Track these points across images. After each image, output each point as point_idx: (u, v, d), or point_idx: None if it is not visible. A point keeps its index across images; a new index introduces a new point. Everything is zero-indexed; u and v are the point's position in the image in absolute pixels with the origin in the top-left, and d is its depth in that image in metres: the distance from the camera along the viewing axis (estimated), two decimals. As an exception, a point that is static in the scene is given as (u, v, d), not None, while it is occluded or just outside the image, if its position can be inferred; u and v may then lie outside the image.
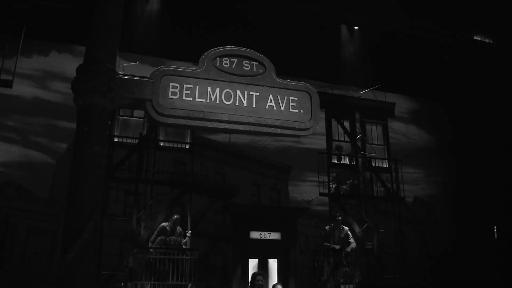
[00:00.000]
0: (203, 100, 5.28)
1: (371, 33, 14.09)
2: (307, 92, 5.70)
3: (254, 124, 5.27)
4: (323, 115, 11.53)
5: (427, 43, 14.41)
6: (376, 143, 11.74)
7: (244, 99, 5.39)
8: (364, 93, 12.60)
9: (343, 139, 11.37)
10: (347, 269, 10.31)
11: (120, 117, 10.09)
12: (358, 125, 11.66)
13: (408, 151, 15.31)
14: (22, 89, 12.01)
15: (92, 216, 4.06)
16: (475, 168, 15.24)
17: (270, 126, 5.34)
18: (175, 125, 5.40)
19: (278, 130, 5.48)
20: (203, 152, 10.73)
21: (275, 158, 13.98)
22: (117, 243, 10.42)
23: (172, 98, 5.23)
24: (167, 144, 9.98)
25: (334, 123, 11.33)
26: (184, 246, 9.24)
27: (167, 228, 9.33)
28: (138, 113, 10.16)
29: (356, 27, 14.47)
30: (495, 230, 14.89)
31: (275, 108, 5.47)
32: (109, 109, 5.10)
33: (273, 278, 9.86)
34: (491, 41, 13.97)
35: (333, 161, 11.07)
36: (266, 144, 13.87)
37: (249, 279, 8.80)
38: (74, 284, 3.93)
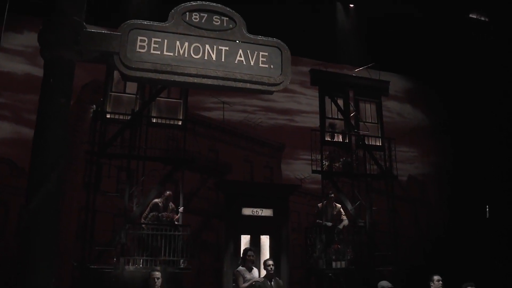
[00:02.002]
0: (171, 54, 5.22)
1: (367, 11, 13.98)
2: (278, 48, 5.60)
3: (223, 78, 5.21)
4: (316, 93, 11.52)
5: (422, 22, 14.31)
6: (370, 121, 11.70)
7: (213, 53, 5.34)
8: (358, 71, 12.54)
9: (336, 117, 11.32)
10: (339, 246, 10.37)
11: (112, 93, 10.00)
12: (351, 103, 11.62)
13: (402, 130, 15.33)
14: (14, 65, 11.91)
15: (56, 167, 4.03)
16: (469, 148, 15.27)
17: (239, 80, 5.28)
18: (143, 78, 5.34)
19: (248, 85, 5.41)
20: (196, 129, 10.67)
21: (268, 136, 13.97)
22: (110, 219, 10.44)
23: (140, 52, 5.16)
24: (159, 121, 9.91)
25: (327, 100, 11.26)
26: (176, 222, 9.26)
27: (160, 204, 9.34)
28: (131, 89, 10.10)
29: (351, 5, 14.35)
30: (487, 210, 14.97)
31: (244, 63, 5.40)
32: (75, 62, 5.04)
33: (265, 254, 9.91)
34: (487, 19, 13.89)
35: (326, 139, 11.03)
36: (260, 122, 13.86)
37: (241, 255, 8.83)
38: (38, 235, 3.91)
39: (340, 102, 11.38)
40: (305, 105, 14.17)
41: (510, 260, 10.64)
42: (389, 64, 13.90)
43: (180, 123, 9.97)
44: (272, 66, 5.56)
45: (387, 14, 13.84)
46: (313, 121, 11.84)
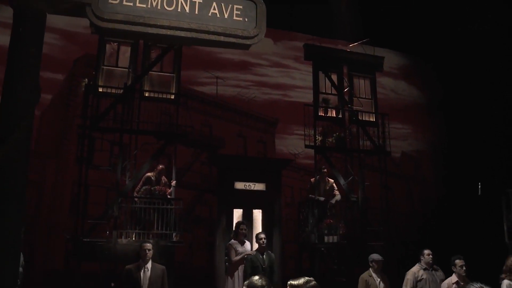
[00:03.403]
0: (144, 6, 5.12)
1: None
2: (252, 1, 5.52)
3: (196, 31, 5.13)
4: (310, 68, 11.48)
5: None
6: (364, 97, 11.68)
7: (186, 5, 5.25)
8: (352, 46, 12.45)
9: (330, 92, 11.28)
10: (331, 221, 10.43)
11: (104, 67, 9.92)
12: (345, 78, 11.58)
13: (396, 106, 15.30)
14: (5, 39, 11.68)
15: (26, 116, 4.00)
16: (464, 125, 15.27)
17: (213, 33, 5.20)
18: (115, 30, 5.27)
19: (221, 38, 5.35)
20: (189, 103, 10.63)
21: (262, 111, 13.95)
22: (103, 193, 10.45)
23: (112, 3, 5.08)
24: (152, 95, 9.86)
25: (321, 75, 11.22)
26: (169, 196, 9.27)
27: (152, 178, 9.35)
28: (123, 63, 10.02)
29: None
30: (479, 187, 15.01)
31: (218, 16, 5.32)
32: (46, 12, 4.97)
33: (258, 228, 9.96)
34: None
35: (319, 114, 11.01)
36: (254, 97, 13.81)
37: (233, 229, 8.89)
38: (6, 182, 3.90)
39: (334, 77, 11.34)
40: (299, 80, 14.12)
41: (498, 236, 10.73)
42: (384, 40, 13.79)
43: (172, 97, 9.92)
44: (246, 19, 5.45)
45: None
46: (307, 96, 11.81)
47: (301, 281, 3.39)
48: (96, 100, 9.56)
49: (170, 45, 10.01)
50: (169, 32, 5.12)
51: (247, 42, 5.34)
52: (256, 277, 3.46)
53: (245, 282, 3.45)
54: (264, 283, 3.40)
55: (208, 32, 5.19)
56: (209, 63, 13.24)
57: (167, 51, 10.06)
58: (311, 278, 3.46)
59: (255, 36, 5.40)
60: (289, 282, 3.42)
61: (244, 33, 5.36)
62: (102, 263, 8.84)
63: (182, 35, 5.18)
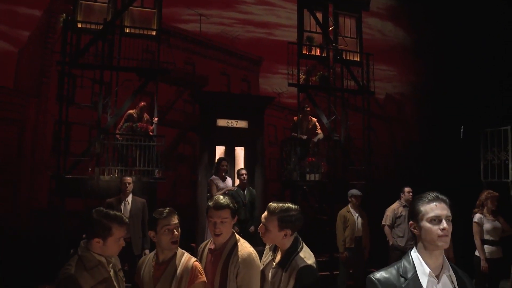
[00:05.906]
0: None
1: None
2: None
3: None
4: (295, 6, 11.25)
5: None
6: (349, 36, 11.52)
7: None
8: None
9: (315, 31, 11.11)
10: (313, 159, 10.50)
11: (83, 2, 9.62)
12: (331, 17, 11.37)
13: (382, 47, 15.19)
14: None
15: None
16: (447, 68, 15.24)
17: None
18: None
19: None
20: (172, 41, 10.44)
21: (246, 49, 13.78)
22: (85, 131, 10.43)
23: None
24: (133, 31, 9.63)
25: (306, 13, 11.01)
26: (151, 133, 9.25)
27: (134, 115, 9.29)
28: (102, -3, 9.74)
29: None
30: (462, 130, 15.17)
31: None
32: None
33: (240, 165, 10.00)
34: None
35: (303, 52, 10.88)
36: (237, 35, 13.60)
37: (215, 165, 8.94)
38: None
39: (319, 15, 11.13)
40: (284, 19, 13.90)
41: (475, 175, 10.95)
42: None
43: (154, 33, 9.71)
44: None
45: None
46: (292, 35, 11.62)
47: (280, 204, 3.32)
48: (75, 36, 9.34)
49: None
50: None
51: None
52: (221, 197, 3.48)
53: (210, 203, 3.45)
54: (228, 200, 3.43)
55: None
56: (192, 0, 12.94)
57: (148, -15, 9.79)
58: (295, 207, 3.32)
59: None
60: (270, 204, 3.37)
61: None
62: (86, 200, 8.89)
63: None
